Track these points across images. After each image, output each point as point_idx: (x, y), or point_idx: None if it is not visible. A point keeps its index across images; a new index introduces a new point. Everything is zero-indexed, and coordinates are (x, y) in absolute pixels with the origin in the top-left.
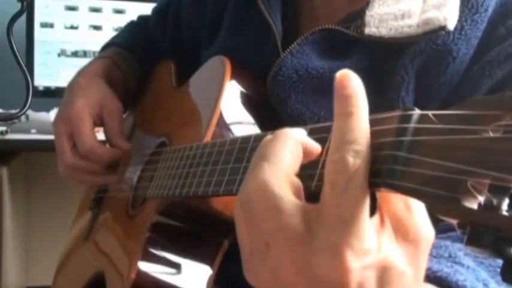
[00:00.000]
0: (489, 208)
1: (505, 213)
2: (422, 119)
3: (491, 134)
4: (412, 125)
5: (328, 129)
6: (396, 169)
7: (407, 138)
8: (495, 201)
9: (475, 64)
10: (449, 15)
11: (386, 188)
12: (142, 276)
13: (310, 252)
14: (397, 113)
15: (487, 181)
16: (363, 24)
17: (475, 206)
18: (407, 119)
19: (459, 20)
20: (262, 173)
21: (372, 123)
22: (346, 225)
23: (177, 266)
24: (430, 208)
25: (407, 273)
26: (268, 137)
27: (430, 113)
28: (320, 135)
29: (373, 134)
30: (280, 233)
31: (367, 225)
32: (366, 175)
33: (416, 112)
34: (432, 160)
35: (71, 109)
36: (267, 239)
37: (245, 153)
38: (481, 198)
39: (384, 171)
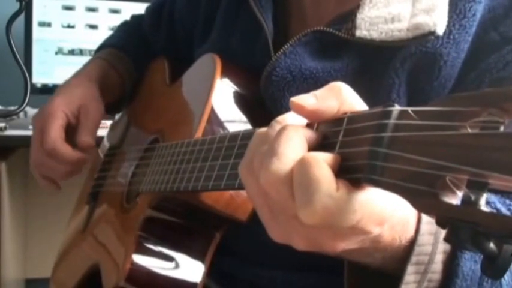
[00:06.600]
0: (467, 203)
1: (483, 208)
2: (402, 115)
3: (469, 130)
4: (392, 121)
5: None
6: (377, 165)
7: (387, 134)
8: (473, 197)
9: (471, 70)
10: (438, 21)
11: (367, 183)
12: (137, 268)
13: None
14: (378, 109)
15: (465, 177)
16: (353, 27)
17: (453, 201)
18: (387, 115)
19: (447, 25)
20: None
21: (354, 119)
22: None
23: (170, 259)
24: (410, 203)
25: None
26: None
27: (409, 109)
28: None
29: (355, 130)
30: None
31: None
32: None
33: (396, 108)
34: (411, 156)
35: (48, 106)
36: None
37: (233, 151)
38: (460, 194)
39: (365, 167)
